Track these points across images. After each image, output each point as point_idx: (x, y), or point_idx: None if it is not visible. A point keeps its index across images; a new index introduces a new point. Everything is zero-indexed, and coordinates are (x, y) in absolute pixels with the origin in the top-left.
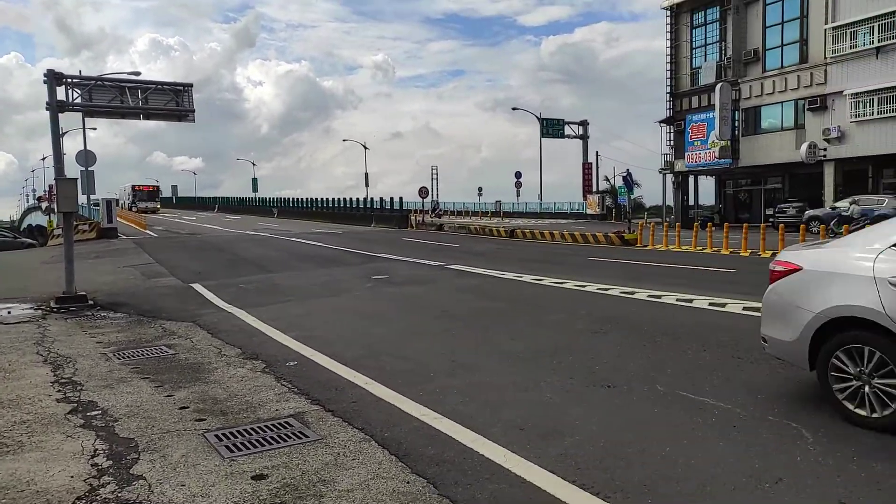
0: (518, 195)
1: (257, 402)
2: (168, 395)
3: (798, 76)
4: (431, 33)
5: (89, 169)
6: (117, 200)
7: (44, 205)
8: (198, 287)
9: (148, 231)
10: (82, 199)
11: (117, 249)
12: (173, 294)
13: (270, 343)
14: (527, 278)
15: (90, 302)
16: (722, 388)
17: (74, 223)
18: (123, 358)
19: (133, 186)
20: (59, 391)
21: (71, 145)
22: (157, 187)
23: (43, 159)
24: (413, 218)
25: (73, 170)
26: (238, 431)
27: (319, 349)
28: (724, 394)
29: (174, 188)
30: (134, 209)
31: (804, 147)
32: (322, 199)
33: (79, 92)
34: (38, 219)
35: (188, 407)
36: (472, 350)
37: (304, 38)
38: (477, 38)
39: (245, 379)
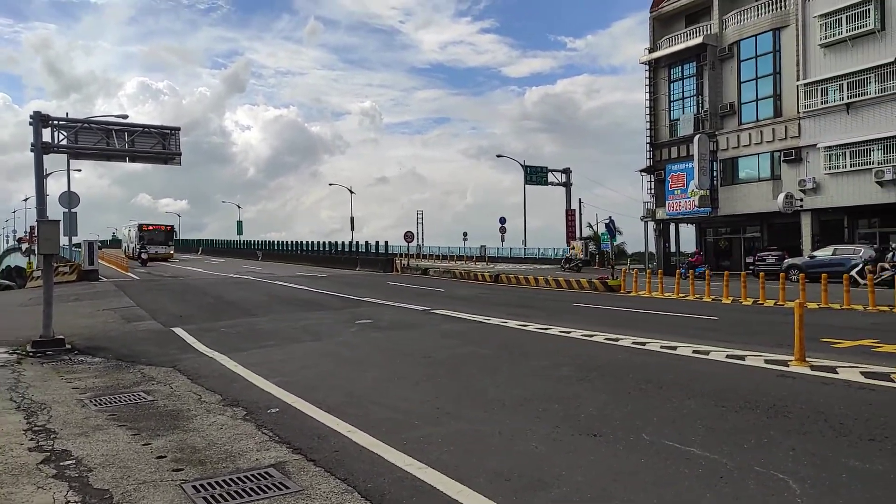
0: (503, 240)
1: (237, 451)
2: (145, 444)
3: (773, 129)
4: (417, 82)
5: (72, 210)
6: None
7: (24, 246)
8: (179, 331)
9: (130, 273)
10: (64, 240)
11: (98, 292)
12: (153, 338)
13: (252, 389)
14: (511, 324)
15: (68, 346)
16: (707, 437)
17: (55, 265)
18: (100, 404)
19: (141, 226)
20: (31, 439)
21: (55, 186)
22: (172, 227)
23: (25, 200)
24: (398, 262)
25: (55, 210)
26: (217, 482)
27: (302, 395)
28: (710, 443)
29: None
30: (144, 255)
31: (781, 197)
32: (307, 242)
33: (65, 134)
34: (17, 260)
35: (166, 456)
36: (457, 397)
37: (293, 85)
38: (461, 87)
39: (225, 427)
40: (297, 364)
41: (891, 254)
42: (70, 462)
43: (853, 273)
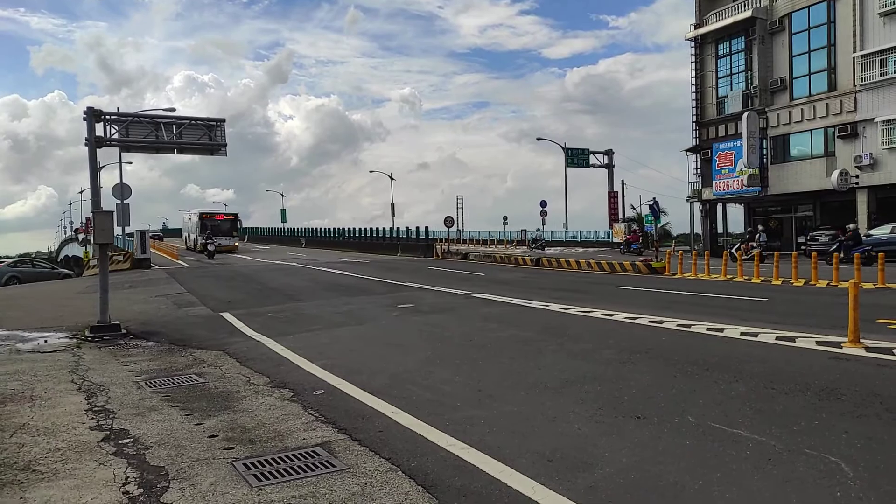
0: (543, 224)
1: (285, 431)
2: (198, 424)
3: (827, 104)
4: (456, 67)
5: (125, 202)
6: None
7: (80, 236)
8: (227, 316)
9: (180, 261)
10: (117, 230)
11: (150, 280)
12: (203, 323)
13: (298, 372)
14: (553, 307)
15: (123, 331)
16: (756, 419)
17: (109, 254)
18: (155, 386)
19: (202, 215)
20: (92, 419)
21: (108, 178)
22: (236, 216)
23: (81, 192)
24: (439, 247)
25: (109, 202)
26: (266, 460)
27: (346, 378)
28: (759, 426)
29: None
30: (211, 247)
31: (835, 175)
32: (349, 228)
33: (116, 128)
34: (74, 250)
35: (217, 435)
36: (499, 380)
37: (334, 74)
38: (501, 70)
39: (273, 407)
40: (342, 347)
41: (758, 234)
42: (128, 441)
43: (732, 250)
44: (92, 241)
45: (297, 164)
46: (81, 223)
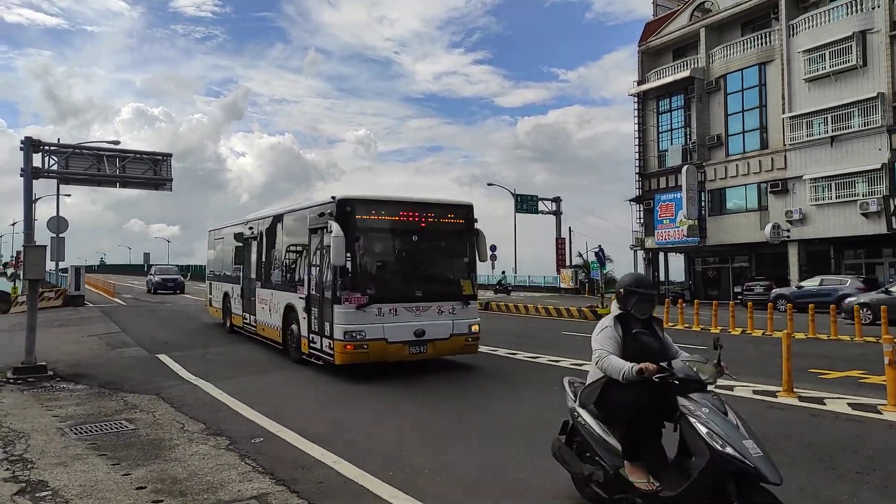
0: (493, 268)
1: (219, 483)
2: (125, 474)
3: (760, 161)
4: (411, 111)
5: (60, 235)
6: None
7: (9, 270)
8: (164, 358)
9: (116, 299)
10: (51, 265)
11: (83, 318)
12: (138, 365)
13: (237, 418)
14: (501, 352)
15: (50, 372)
16: None
17: (40, 290)
18: (80, 433)
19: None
20: (7, 469)
21: (45, 210)
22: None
23: (13, 224)
24: None
25: (44, 235)
26: None
27: (287, 424)
28: None
29: (146, 255)
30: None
31: (768, 228)
32: None
33: (55, 159)
34: (2, 285)
35: (146, 487)
36: (445, 427)
37: (288, 112)
38: (455, 116)
39: (207, 456)
40: (284, 392)
41: None
42: (46, 493)
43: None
44: (21, 277)
45: (247, 201)
46: (12, 257)
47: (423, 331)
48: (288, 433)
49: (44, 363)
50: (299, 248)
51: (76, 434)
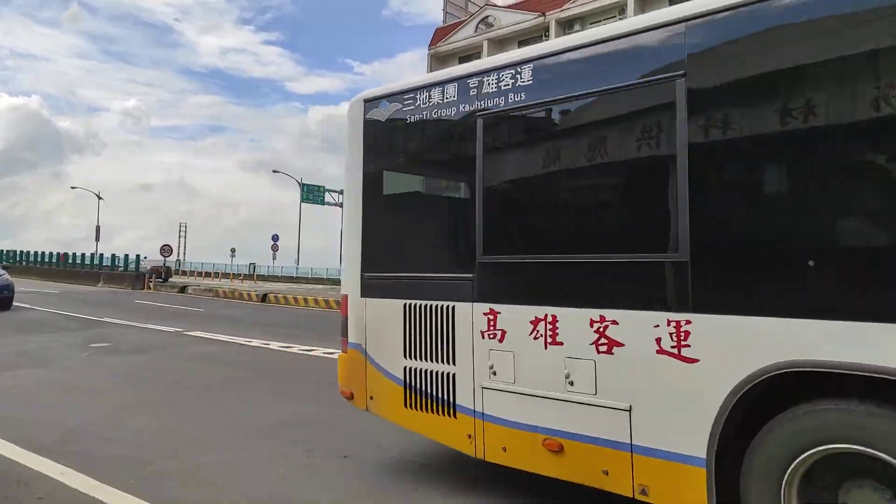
0: (274, 258)
1: None
2: None
3: None
4: (192, 85)
5: None
6: None
7: None
8: None
9: None
10: None
11: None
12: None
13: None
14: (273, 345)
15: None
16: None
17: None
18: None
19: None
20: None
21: None
22: None
23: None
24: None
25: None
26: None
27: (7, 435)
28: None
29: None
30: None
31: None
32: (35, 252)
33: None
34: None
35: None
36: (204, 426)
37: (36, 71)
38: (242, 97)
39: None
40: (8, 396)
41: None
42: None
43: None
44: None
45: None
46: None
47: None
48: (4, 444)
49: None
50: None
51: None
